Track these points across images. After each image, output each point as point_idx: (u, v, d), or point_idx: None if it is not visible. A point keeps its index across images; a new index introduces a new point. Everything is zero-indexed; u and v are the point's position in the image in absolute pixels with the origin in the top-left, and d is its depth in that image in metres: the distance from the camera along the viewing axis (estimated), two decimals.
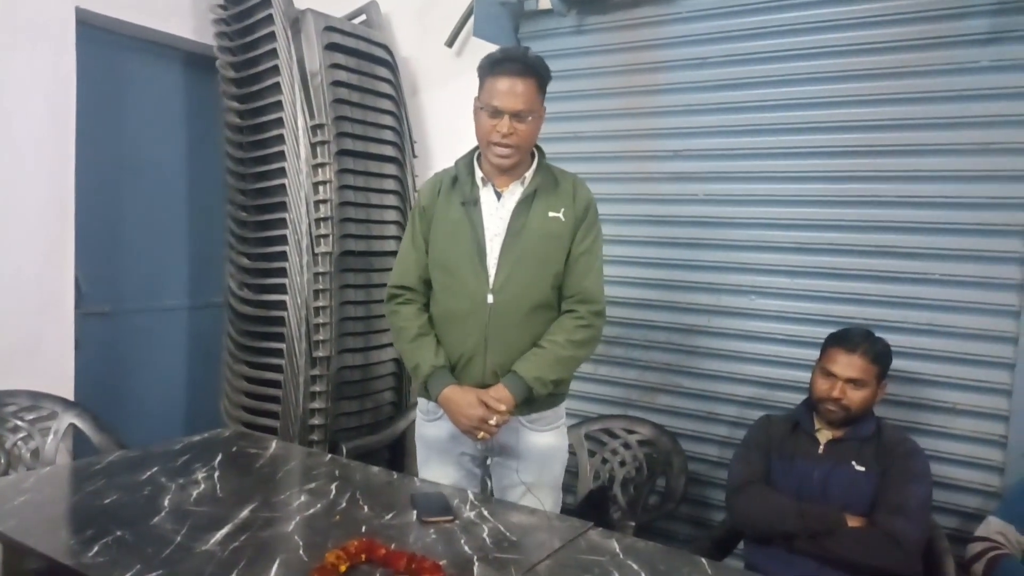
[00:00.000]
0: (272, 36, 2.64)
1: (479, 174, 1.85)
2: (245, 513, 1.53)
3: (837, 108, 2.27)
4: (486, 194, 1.84)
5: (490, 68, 1.77)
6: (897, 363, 1.96)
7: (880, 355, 1.88)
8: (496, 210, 1.83)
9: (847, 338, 1.90)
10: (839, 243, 2.28)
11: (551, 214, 1.82)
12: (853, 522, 1.75)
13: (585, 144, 2.72)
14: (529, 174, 1.85)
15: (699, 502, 2.51)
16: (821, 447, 1.90)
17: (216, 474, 1.75)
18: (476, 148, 1.91)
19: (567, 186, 1.87)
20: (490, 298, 1.80)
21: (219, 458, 1.86)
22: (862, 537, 1.73)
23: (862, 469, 1.82)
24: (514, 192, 1.83)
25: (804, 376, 2.02)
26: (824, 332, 1.99)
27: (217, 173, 2.94)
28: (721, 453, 2.46)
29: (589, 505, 2.33)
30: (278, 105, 2.64)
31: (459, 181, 1.86)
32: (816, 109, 2.30)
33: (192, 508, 1.54)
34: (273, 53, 2.64)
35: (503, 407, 1.75)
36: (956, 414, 2.14)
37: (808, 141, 2.31)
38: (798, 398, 2.05)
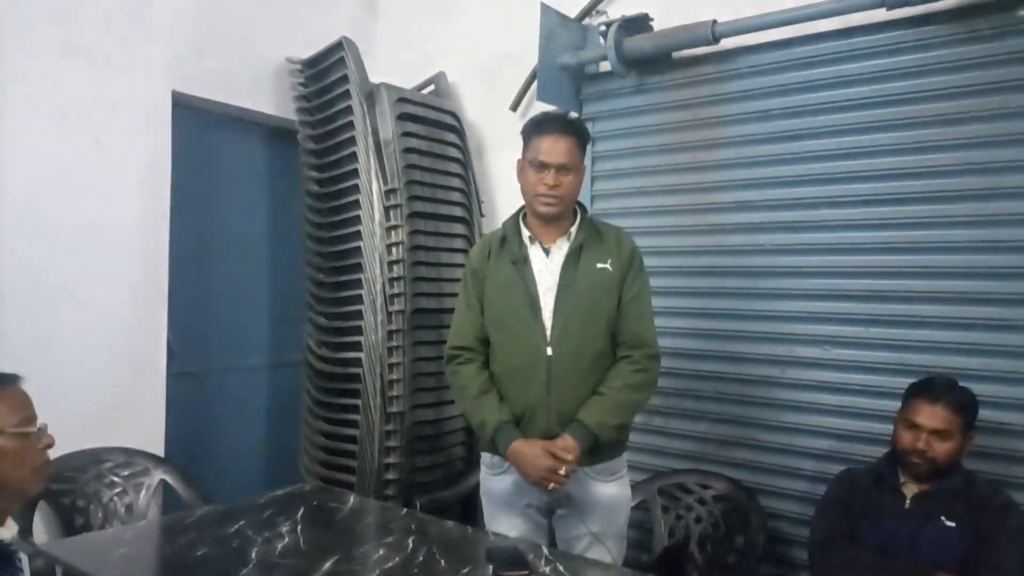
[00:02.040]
0: (349, 110, 2.81)
1: (526, 233, 1.94)
2: (328, 565, 1.58)
3: (904, 155, 2.24)
4: (534, 251, 1.93)
5: (534, 128, 1.93)
6: (984, 413, 1.89)
7: (965, 405, 1.82)
8: (546, 265, 1.91)
9: (930, 388, 1.85)
10: (914, 290, 2.23)
11: (599, 265, 1.90)
12: None
13: (649, 199, 2.75)
14: (574, 229, 1.93)
15: (780, 560, 2.43)
16: (908, 501, 1.83)
17: (299, 527, 1.81)
18: (521, 210, 2.01)
19: (611, 237, 1.96)
20: (549, 351, 1.86)
21: (301, 512, 1.92)
22: None
23: (952, 524, 1.75)
24: (561, 247, 1.92)
25: (882, 428, 1.96)
26: (902, 382, 1.95)
27: (297, 238, 3.09)
28: (801, 509, 2.38)
29: (665, 562, 2.29)
30: (354, 173, 2.79)
31: (507, 242, 1.95)
32: (882, 157, 2.28)
33: (278, 560, 1.60)
34: (350, 125, 2.81)
35: (570, 456, 1.79)
36: None
37: (876, 189, 2.29)
38: (877, 451, 2.00)
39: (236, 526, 1.81)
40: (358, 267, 2.76)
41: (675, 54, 2.66)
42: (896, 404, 1.92)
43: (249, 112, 3.09)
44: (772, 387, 2.49)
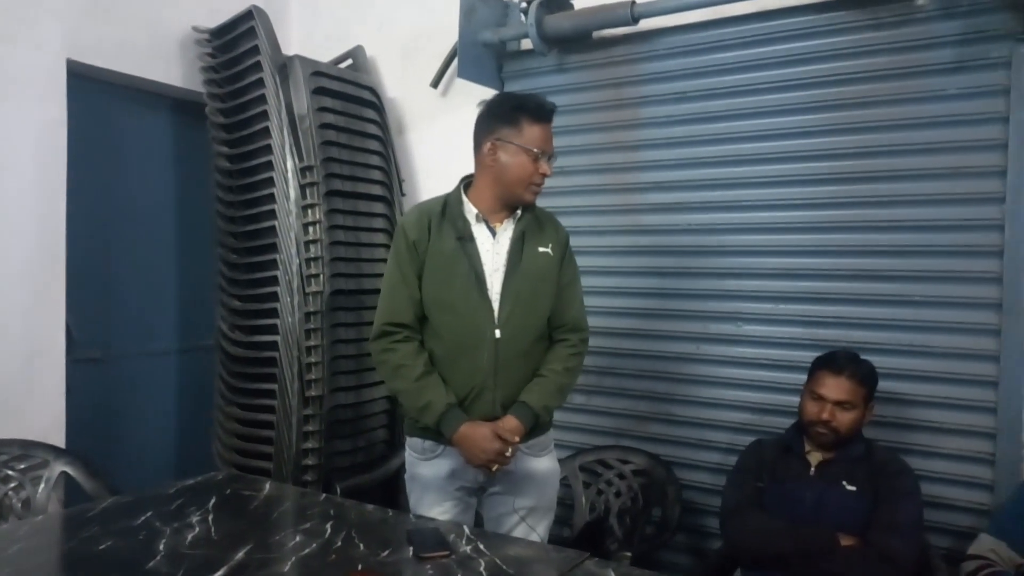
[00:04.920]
0: (261, 83, 2.70)
1: (473, 210, 1.90)
2: (240, 555, 1.52)
3: (812, 138, 2.33)
4: (480, 230, 1.89)
5: (538, 114, 1.85)
6: (883, 384, 2.00)
7: (866, 377, 1.92)
8: (492, 246, 1.89)
9: (834, 361, 1.93)
10: (822, 268, 2.33)
11: (541, 249, 1.91)
12: (846, 542, 1.77)
13: (571, 178, 2.77)
14: (519, 211, 1.91)
15: (695, 530, 2.51)
16: (812, 469, 1.92)
17: (210, 517, 1.74)
18: (464, 183, 1.96)
19: (549, 222, 1.98)
20: (497, 333, 1.84)
21: (213, 501, 1.85)
22: (856, 557, 1.74)
23: (853, 489, 1.84)
24: (507, 229, 1.90)
25: (794, 400, 2.04)
26: (811, 356, 2.03)
27: (207, 217, 2.96)
28: (715, 480, 2.47)
29: (586, 537, 2.33)
30: (267, 149, 2.68)
31: (450, 216, 1.90)
32: (793, 139, 2.36)
33: (188, 552, 1.54)
34: (262, 99, 2.69)
35: (516, 438, 1.81)
36: (944, 433, 2.16)
37: (787, 170, 2.37)
38: (788, 422, 2.08)
39: (143, 517, 1.72)
40: (273, 247, 2.67)
41: (595, 34, 2.67)
42: (804, 377, 2.00)
43: (153, 84, 2.93)
44: (688, 363, 2.56)
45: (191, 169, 3.14)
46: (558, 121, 2.72)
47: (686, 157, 2.54)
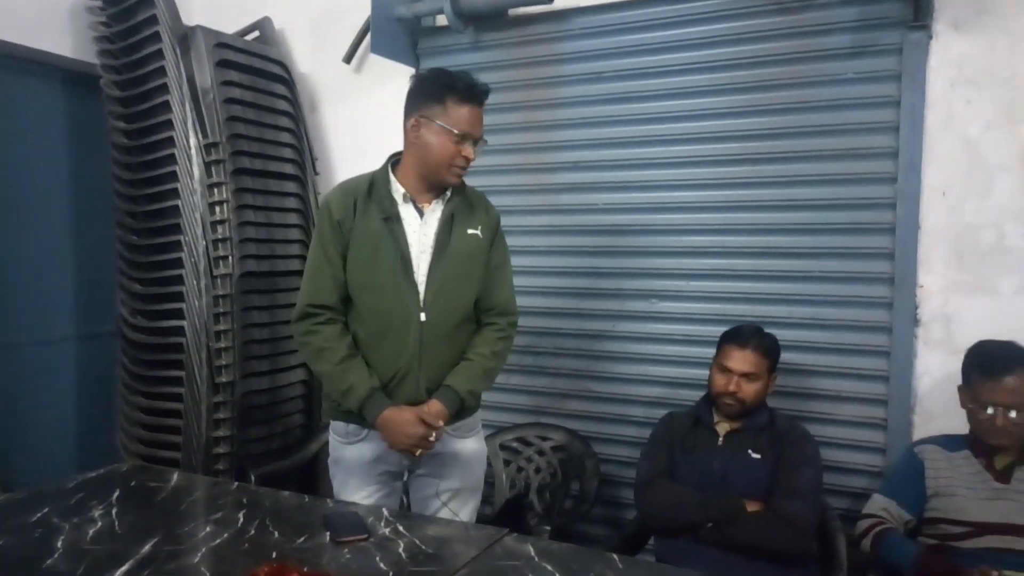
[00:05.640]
0: (160, 54, 2.56)
1: (400, 190, 1.85)
2: (147, 548, 1.46)
3: (720, 119, 2.40)
4: (407, 210, 1.84)
5: (454, 93, 1.76)
6: (785, 356, 2.10)
7: (770, 349, 2.01)
8: (420, 227, 1.84)
9: (739, 335, 2.01)
10: (729, 246, 2.41)
11: (470, 231, 1.87)
12: (752, 507, 1.86)
13: (487, 158, 2.74)
14: (449, 192, 1.87)
15: (612, 502, 2.58)
16: (720, 439, 2.00)
17: (114, 511, 1.66)
18: (391, 161, 1.90)
19: (480, 203, 1.93)
20: (422, 316, 1.81)
21: (116, 494, 1.77)
22: (760, 521, 1.83)
23: (758, 457, 1.93)
24: (435, 210, 1.86)
25: (704, 374, 2.11)
26: (720, 331, 2.10)
27: (105, 196, 2.80)
28: (631, 453, 2.53)
29: (506, 514, 2.35)
30: (168, 124, 2.55)
31: (376, 196, 1.84)
32: (701, 121, 2.42)
33: (89, 547, 1.46)
34: (161, 71, 2.55)
35: (440, 422, 1.79)
36: (841, 401, 2.29)
37: (696, 151, 2.44)
38: (700, 395, 2.15)
39: (40, 514, 1.63)
40: (177, 228, 2.55)
41: (511, 11, 2.66)
42: (714, 351, 2.08)
43: (42, 54, 2.74)
44: (605, 340, 2.61)
45: (86, 146, 2.96)
46: None
47: (601, 137, 2.57)
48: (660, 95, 2.48)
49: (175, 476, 1.95)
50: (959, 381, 1.93)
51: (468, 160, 1.80)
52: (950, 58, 2.12)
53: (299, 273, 2.07)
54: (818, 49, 2.27)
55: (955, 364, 1.96)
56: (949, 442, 1.95)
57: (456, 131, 1.76)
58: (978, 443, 1.89)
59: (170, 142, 2.55)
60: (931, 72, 2.14)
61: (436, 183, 1.84)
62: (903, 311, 2.20)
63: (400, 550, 1.49)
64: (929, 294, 2.17)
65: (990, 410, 1.82)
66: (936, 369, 2.16)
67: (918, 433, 2.16)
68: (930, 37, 2.13)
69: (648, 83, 2.49)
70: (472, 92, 1.79)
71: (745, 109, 2.37)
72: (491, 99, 2.70)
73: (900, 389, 2.21)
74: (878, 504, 1.95)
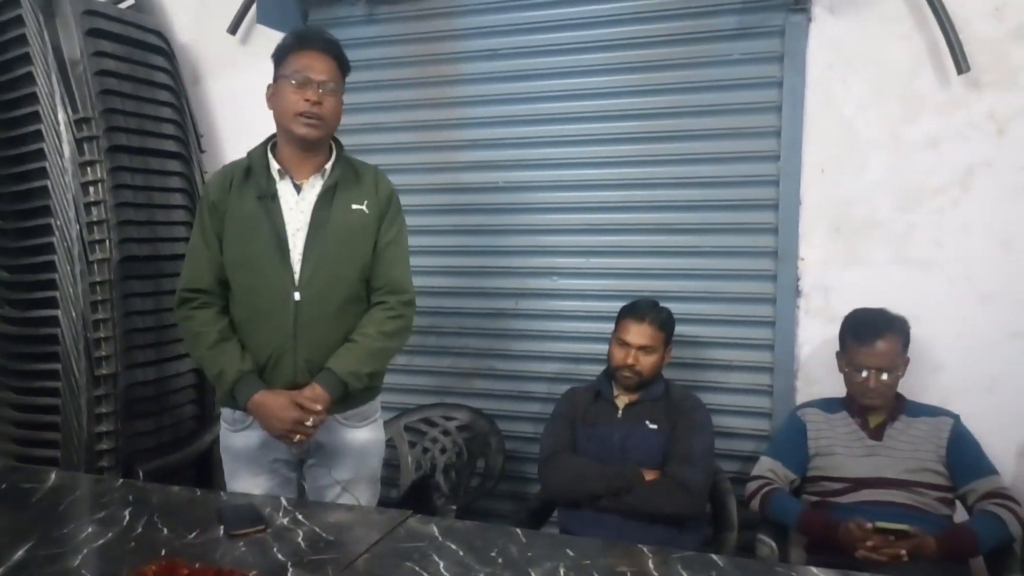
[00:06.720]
0: (19, 21, 2.33)
1: (275, 166, 1.78)
2: (20, 554, 1.37)
3: (614, 99, 2.43)
4: (284, 187, 1.78)
5: (295, 44, 1.76)
6: (679, 329, 2.17)
7: (665, 322, 2.07)
8: (296, 203, 1.77)
9: (636, 309, 2.07)
10: (625, 223, 2.46)
11: (354, 206, 1.80)
12: (649, 476, 1.93)
13: (385, 135, 2.70)
14: (329, 166, 1.81)
15: (517, 478, 2.61)
16: (620, 411, 2.05)
17: None
18: (270, 139, 1.84)
19: (368, 177, 1.86)
20: (297, 295, 1.75)
21: None
22: (655, 488, 1.90)
23: (655, 427, 2.00)
24: (314, 185, 1.79)
25: (603, 349, 2.16)
26: (618, 306, 2.15)
27: None
28: (535, 429, 2.56)
29: (413, 496, 2.34)
30: (32, 98, 2.34)
31: (253, 174, 1.78)
32: (596, 99, 2.45)
33: None
34: (22, 40, 2.33)
35: (318, 407, 1.71)
36: (730, 370, 2.40)
37: (591, 130, 2.47)
38: (600, 370, 2.20)
39: None
40: (46, 210, 2.35)
41: None
42: (613, 326, 2.12)
43: None
44: (507, 318, 2.62)
45: None
46: (369, 76, 2.67)
47: (499, 115, 2.56)
48: (555, 73, 2.48)
49: (52, 475, 1.83)
50: (837, 347, 2.06)
51: (313, 105, 1.71)
52: (827, 40, 2.22)
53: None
54: (706, 30, 2.33)
55: (833, 331, 2.09)
56: (828, 405, 2.08)
57: (293, 80, 1.72)
58: (854, 404, 2.02)
59: (35, 117, 2.35)
60: (810, 54, 2.23)
61: (295, 142, 1.76)
62: (786, 283, 2.31)
63: (299, 539, 1.45)
64: (809, 266, 2.29)
65: (864, 373, 1.95)
66: (816, 336, 2.29)
67: (800, 397, 2.29)
68: (810, 20, 2.23)
69: (543, 61, 2.49)
70: (303, 37, 1.79)
71: (637, 88, 2.41)
72: (386, 74, 2.67)
73: (784, 356, 2.33)
74: (765, 466, 2.06)
